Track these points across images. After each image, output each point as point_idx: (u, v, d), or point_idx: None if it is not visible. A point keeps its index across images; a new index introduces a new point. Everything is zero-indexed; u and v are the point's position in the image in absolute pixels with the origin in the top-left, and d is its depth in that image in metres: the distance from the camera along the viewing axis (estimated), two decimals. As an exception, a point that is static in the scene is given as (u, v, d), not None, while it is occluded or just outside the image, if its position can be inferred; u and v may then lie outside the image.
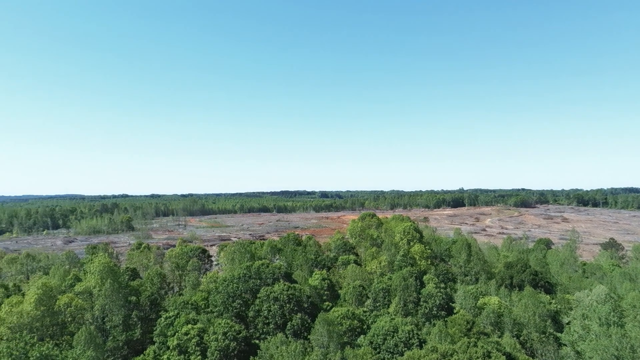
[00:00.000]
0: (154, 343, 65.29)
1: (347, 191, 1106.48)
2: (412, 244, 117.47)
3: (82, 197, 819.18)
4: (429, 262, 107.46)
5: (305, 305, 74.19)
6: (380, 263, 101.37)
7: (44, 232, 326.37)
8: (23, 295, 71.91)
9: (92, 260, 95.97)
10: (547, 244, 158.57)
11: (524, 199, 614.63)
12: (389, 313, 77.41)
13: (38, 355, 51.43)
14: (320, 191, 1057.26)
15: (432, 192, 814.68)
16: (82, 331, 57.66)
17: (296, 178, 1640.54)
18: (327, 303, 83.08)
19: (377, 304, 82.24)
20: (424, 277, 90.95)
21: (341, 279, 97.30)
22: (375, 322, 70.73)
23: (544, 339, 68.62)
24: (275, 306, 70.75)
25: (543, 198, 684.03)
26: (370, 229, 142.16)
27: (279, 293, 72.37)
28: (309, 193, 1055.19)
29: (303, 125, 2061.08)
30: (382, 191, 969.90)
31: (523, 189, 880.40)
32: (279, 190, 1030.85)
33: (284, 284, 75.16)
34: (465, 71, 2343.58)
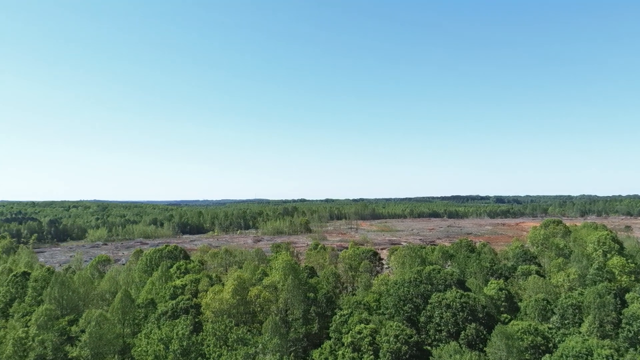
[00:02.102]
0: (329, 338, 69.21)
1: (527, 196, 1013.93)
2: (609, 256, 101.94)
3: (268, 202, 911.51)
4: (633, 279, 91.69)
5: (480, 315, 70.19)
6: (568, 276, 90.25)
7: (238, 231, 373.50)
8: (223, 285, 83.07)
9: (276, 257, 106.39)
10: None
11: None
12: (580, 333, 68.40)
13: (235, 337, 59.19)
14: (495, 196, 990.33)
15: (636, 196, 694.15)
16: (269, 320, 64.20)
17: (468, 182, 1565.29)
18: (504, 315, 77.28)
19: (565, 322, 73.34)
20: (627, 295, 77.89)
21: (521, 290, 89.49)
22: (563, 341, 63.25)
23: None
24: (448, 313, 68.57)
25: None
26: (555, 237, 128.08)
27: (451, 300, 69.98)
28: (482, 198, 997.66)
29: (475, 126, 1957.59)
30: (569, 196, 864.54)
31: None
32: (449, 195, 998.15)
33: (457, 291, 72.38)
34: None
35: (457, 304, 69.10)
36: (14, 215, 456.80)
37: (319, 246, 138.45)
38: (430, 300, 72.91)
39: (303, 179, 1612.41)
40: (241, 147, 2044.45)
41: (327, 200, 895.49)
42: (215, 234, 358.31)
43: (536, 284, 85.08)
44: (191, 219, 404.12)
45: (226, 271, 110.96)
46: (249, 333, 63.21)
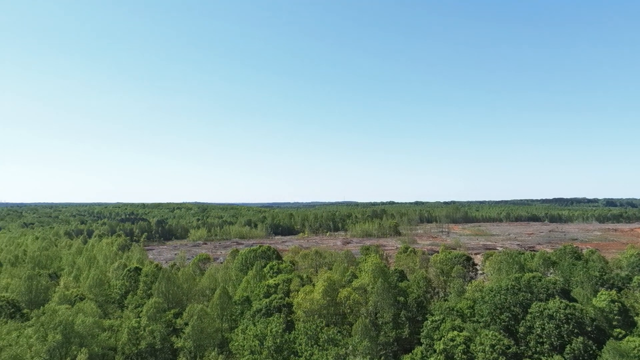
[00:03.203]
0: (420, 344, 67.69)
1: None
2: None
3: (356, 204, 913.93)
4: None
5: (589, 329, 64.38)
6: (697, 289, 79.70)
7: (327, 233, 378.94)
8: (313, 285, 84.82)
9: (365, 260, 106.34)
10: None
11: None
12: None
13: (326, 337, 60.13)
14: (604, 198, 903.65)
15: None
16: (359, 322, 64.41)
17: (573, 184, 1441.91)
18: (618, 330, 70.10)
19: (694, 341, 64.74)
20: None
21: (637, 303, 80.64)
22: (691, 362, 55.97)
23: None
24: (551, 325, 63.75)
25: None
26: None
27: (554, 311, 65.01)
28: (589, 201, 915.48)
29: (581, 122, 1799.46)
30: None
31: None
32: (551, 197, 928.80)
33: (561, 301, 67.08)
34: None
35: (561, 315, 64.05)
36: (127, 216, 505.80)
37: (409, 249, 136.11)
38: (530, 310, 68.35)
39: (392, 182, 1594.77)
40: (330, 150, 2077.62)
41: (416, 203, 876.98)
42: (306, 235, 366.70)
43: (656, 296, 76.20)
44: (282, 220, 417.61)
45: (316, 272, 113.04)
46: (339, 334, 63.83)
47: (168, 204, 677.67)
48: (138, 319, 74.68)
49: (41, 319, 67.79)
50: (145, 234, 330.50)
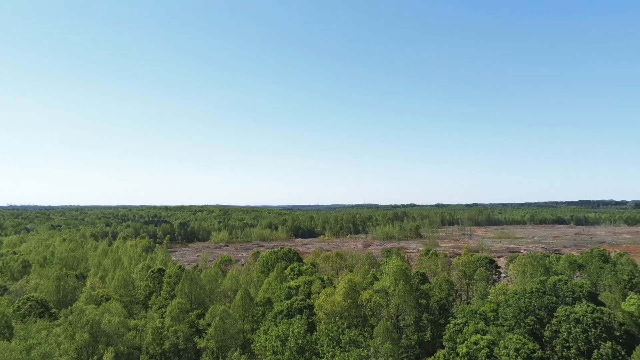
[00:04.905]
0: (443, 347, 67.04)
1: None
2: None
3: (377, 206, 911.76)
4: None
5: (617, 334, 62.76)
6: None
7: (348, 235, 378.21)
8: (334, 287, 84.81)
9: (387, 262, 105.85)
10: None
11: None
12: None
13: (348, 339, 60.07)
14: (633, 201, 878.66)
15: None
16: (381, 325, 64.06)
17: (600, 185, 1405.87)
18: (648, 335, 68.14)
19: None
20: None
21: (669, 308, 78.13)
22: None
23: None
24: (577, 329, 62.32)
25: None
26: None
27: (581, 315, 63.52)
28: (617, 203, 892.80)
29: (607, 122, 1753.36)
30: None
31: None
32: (577, 199, 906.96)
33: (588, 305, 65.53)
34: None
35: (589, 319, 62.56)
36: (151, 218, 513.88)
37: (431, 252, 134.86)
38: (556, 314, 66.98)
39: (412, 184, 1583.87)
40: (350, 153, 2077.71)
41: (438, 205, 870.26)
42: (327, 237, 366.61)
43: (689, 301, 73.70)
44: (303, 223, 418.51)
45: (337, 274, 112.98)
46: (360, 336, 63.70)
47: (190, 206, 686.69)
48: (162, 320, 75.86)
49: (69, 318, 69.62)
50: (169, 236, 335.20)
